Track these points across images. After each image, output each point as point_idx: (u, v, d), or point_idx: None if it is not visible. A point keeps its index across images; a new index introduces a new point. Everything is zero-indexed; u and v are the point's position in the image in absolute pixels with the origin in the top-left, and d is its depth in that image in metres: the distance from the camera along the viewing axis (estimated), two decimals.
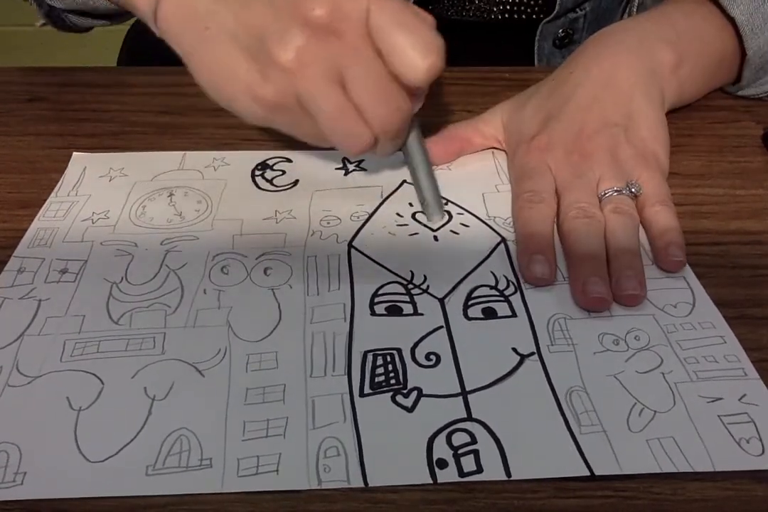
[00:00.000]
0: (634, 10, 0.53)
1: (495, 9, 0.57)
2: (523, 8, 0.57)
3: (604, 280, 0.33)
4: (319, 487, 0.25)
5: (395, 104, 0.30)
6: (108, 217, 0.39)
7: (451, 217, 0.39)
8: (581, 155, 0.38)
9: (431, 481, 0.26)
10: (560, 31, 0.58)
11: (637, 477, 0.26)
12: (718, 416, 0.28)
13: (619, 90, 0.40)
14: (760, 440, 0.27)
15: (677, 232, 0.35)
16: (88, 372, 0.30)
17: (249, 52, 0.30)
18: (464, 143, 0.43)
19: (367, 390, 0.29)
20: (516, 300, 0.33)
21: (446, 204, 0.40)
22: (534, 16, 0.58)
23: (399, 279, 0.35)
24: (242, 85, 0.31)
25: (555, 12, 0.56)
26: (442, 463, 0.26)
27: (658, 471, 0.26)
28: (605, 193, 0.37)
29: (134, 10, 0.36)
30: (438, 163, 0.42)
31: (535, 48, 0.59)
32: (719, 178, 0.42)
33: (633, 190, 0.37)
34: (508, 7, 0.57)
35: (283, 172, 0.42)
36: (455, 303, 0.33)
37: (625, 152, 0.38)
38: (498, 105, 0.44)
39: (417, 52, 0.29)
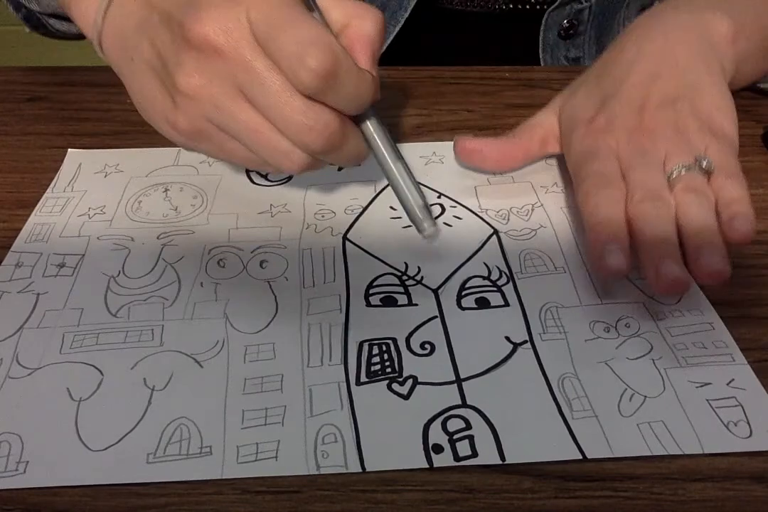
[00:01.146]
0: None
1: None
2: None
3: (679, 262, 0.30)
4: (317, 473, 0.26)
5: (306, 118, 0.28)
6: (104, 213, 0.39)
7: (444, 209, 0.39)
8: (644, 132, 0.36)
9: (427, 466, 0.26)
10: (565, 21, 0.58)
11: (637, 477, 0.26)
12: (707, 400, 0.29)
13: (676, 64, 0.38)
14: (748, 423, 0.28)
15: (744, 203, 0.32)
16: (87, 364, 0.30)
17: (161, 79, 0.30)
18: (523, 152, 0.41)
19: (363, 378, 0.29)
20: (508, 290, 0.34)
21: (439, 197, 0.40)
22: (538, 7, 0.58)
23: (393, 271, 0.35)
24: (160, 112, 0.30)
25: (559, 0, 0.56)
26: (438, 448, 0.27)
27: (648, 453, 0.26)
28: (673, 172, 0.34)
29: (85, 35, 0.36)
30: (486, 168, 0.41)
31: (540, 38, 0.58)
32: None
33: (704, 165, 0.34)
34: None
35: None
36: (449, 294, 0.34)
37: (690, 126, 0.36)
38: (550, 103, 0.42)
39: (297, 51, 0.26)
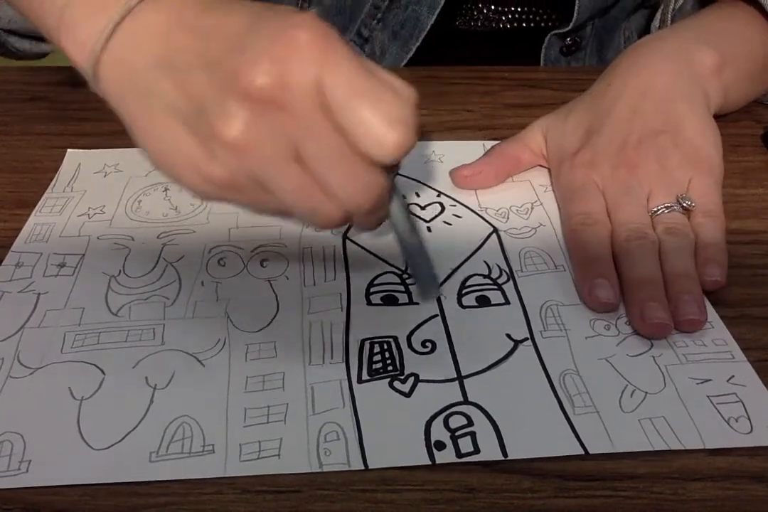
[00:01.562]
0: (668, 16, 0.50)
1: (503, 18, 0.57)
2: (531, 17, 0.57)
3: (663, 305, 0.31)
4: (320, 470, 0.26)
5: (363, 181, 0.26)
6: (104, 212, 0.39)
7: (443, 208, 0.39)
8: (628, 168, 0.37)
9: (430, 462, 0.26)
10: (567, 39, 0.58)
11: (637, 477, 0.26)
12: (707, 396, 0.29)
13: (658, 98, 0.39)
14: (748, 419, 0.28)
15: (717, 248, 0.34)
16: (89, 363, 0.30)
17: (191, 126, 0.27)
18: (514, 162, 0.42)
19: (365, 376, 0.30)
20: (509, 288, 0.34)
21: (439, 196, 0.40)
22: (542, 25, 0.57)
23: (394, 270, 0.35)
24: (188, 161, 0.27)
25: (570, 26, 0.55)
26: (440, 445, 0.27)
27: (650, 448, 0.27)
28: (656, 211, 0.35)
29: (71, 61, 0.31)
30: (489, 185, 0.41)
31: (542, 55, 0.58)
32: None
33: (685, 204, 0.35)
34: (516, 16, 0.57)
35: None
36: (449, 292, 0.34)
37: (673, 158, 0.37)
38: (536, 121, 0.43)
39: (381, 126, 0.25)
